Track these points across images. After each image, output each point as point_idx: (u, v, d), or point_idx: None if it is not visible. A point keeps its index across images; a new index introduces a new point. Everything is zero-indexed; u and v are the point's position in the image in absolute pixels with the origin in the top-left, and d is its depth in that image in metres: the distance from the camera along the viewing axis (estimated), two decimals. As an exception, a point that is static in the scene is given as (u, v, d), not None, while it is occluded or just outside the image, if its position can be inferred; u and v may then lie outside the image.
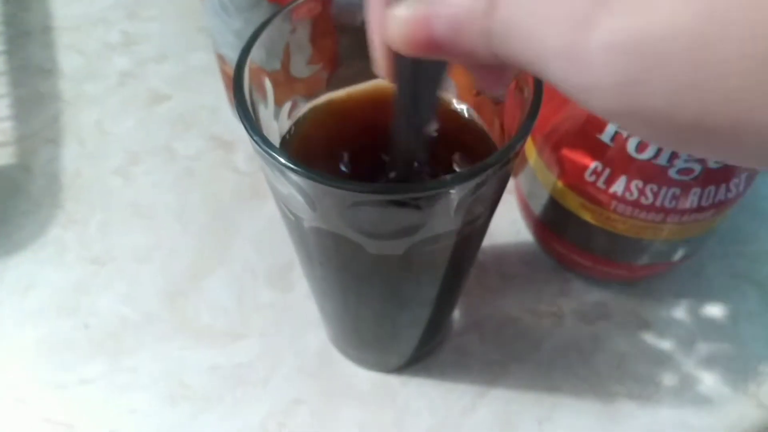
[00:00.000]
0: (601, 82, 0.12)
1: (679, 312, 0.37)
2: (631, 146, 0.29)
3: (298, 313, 0.36)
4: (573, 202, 0.33)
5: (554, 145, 0.32)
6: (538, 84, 0.22)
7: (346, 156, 0.26)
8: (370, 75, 0.29)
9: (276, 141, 0.26)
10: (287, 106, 0.27)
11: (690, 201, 0.30)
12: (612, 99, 0.12)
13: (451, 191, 0.20)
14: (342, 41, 0.28)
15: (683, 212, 0.30)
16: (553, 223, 0.36)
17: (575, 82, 0.13)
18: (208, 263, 0.38)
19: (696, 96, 0.12)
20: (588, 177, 0.31)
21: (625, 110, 0.13)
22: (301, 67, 0.27)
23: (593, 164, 0.30)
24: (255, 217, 0.40)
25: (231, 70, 0.39)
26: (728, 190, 0.30)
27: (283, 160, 0.19)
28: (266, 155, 0.20)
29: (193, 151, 0.43)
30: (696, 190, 0.29)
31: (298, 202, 0.22)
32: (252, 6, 0.35)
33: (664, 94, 0.12)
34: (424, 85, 0.20)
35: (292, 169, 0.19)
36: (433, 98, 0.21)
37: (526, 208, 0.38)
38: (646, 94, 0.12)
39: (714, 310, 0.37)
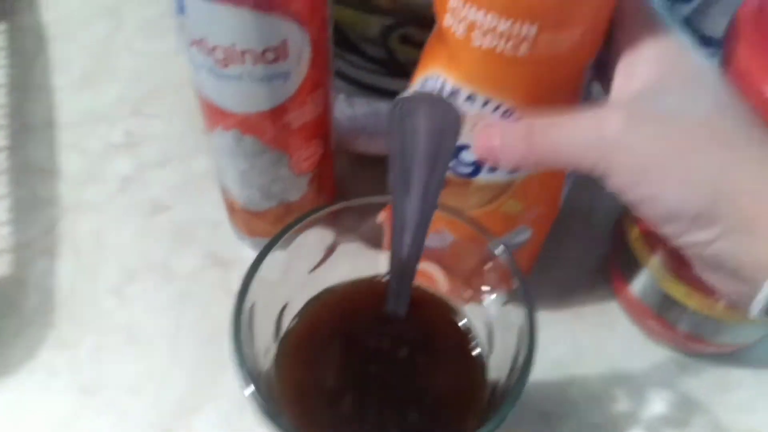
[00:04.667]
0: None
1: None
2: None
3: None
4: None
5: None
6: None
7: (346, 366, 0.26)
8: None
9: (272, 348, 0.26)
10: (284, 306, 0.27)
11: None
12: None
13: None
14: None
15: None
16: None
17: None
18: (199, 397, 0.37)
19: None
20: None
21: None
22: (298, 274, 0.27)
23: None
24: (249, 347, 0.39)
25: (233, 199, 0.39)
26: None
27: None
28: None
29: (190, 269, 0.42)
30: None
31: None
32: (258, 153, 0.34)
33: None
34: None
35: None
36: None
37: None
38: None
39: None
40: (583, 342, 0.40)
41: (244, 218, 0.40)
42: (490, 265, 0.25)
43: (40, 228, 0.43)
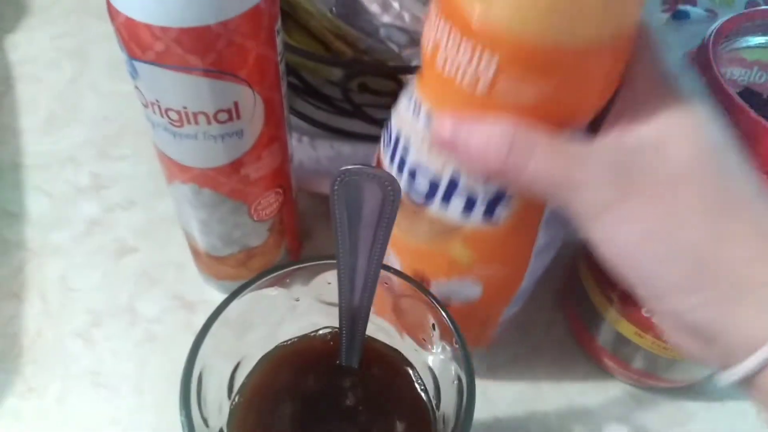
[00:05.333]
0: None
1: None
2: None
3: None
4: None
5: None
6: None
7: (301, 421, 0.27)
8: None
9: (226, 406, 0.27)
10: (237, 364, 0.27)
11: None
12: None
13: None
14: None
15: None
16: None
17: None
18: (164, 443, 0.38)
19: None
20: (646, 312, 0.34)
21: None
22: (251, 332, 0.27)
23: None
24: (214, 390, 0.40)
25: (195, 243, 0.40)
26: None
27: None
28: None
29: (155, 312, 0.43)
30: None
31: None
32: (217, 203, 0.35)
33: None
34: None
35: None
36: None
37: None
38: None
39: None
40: (541, 378, 0.41)
41: (207, 262, 0.41)
42: (432, 320, 0.26)
43: (7, 271, 0.44)
